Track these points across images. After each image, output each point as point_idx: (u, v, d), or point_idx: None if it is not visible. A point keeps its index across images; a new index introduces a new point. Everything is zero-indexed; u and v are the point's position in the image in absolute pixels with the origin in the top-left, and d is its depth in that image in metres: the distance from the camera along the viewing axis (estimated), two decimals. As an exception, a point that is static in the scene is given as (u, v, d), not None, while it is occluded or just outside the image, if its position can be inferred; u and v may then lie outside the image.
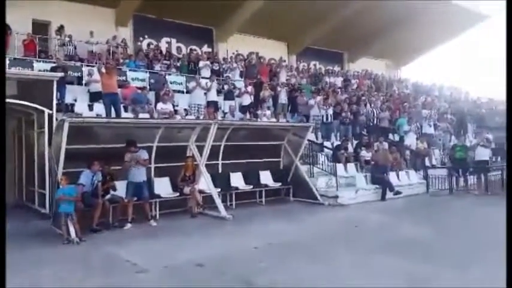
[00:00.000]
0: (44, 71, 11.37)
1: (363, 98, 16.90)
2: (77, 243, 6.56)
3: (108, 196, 7.89)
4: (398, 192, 11.40)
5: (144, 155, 8.24)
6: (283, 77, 16.98)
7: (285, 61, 19.77)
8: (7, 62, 11.66)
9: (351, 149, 13.24)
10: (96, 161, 7.54)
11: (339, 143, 13.44)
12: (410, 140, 14.94)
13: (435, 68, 44.59)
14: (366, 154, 12.83)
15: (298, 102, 14.90)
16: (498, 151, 16.01)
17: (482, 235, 6.81)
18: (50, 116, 8.58)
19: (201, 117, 12.06)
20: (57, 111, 9.08)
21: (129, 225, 7.77)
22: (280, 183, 10.97)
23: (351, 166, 12.44)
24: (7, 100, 8.14)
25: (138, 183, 8.05)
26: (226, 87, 14.12)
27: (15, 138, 10.25)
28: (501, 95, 27.06)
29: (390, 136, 15.40)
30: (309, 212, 9.52)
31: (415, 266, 5.09)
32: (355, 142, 13.94)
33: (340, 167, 11.88)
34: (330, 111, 14.28)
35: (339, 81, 19.33)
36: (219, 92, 13.76)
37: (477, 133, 17.93)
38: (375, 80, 21.61)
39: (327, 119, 14.18)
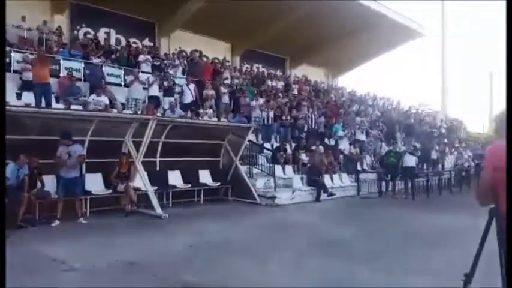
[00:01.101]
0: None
1: (304, 103, 17.40)
2: (-4, 240, 6.06)
3: (34, 191, 7.39)
4: (331, 194, 11.90)
5: (79, 149, 7.85)
6: (226, 77, 16.95)
7: (228, 61, 19.78)
8: None
9: (289, 151, 13.56)
10: (22, 154, 7.04)
11: (278, 145, 13.71)
12: (344, 145, 15.65)
13: (370, 78, 47.27)
14: (304, 157, 13.22)
15: (241, 103, 14.98)
16: (424, 159, 17.30)
17: (407, 236, 7.26)
18: (-30, 103, 7.84)
19: (139, 112, 11.69)
20: (-21, 98, 8.33)
21: (57, 222, 7.35)
22: (219, 183, 10.97)
23: (289, 168, 12.76)
24: None
25: (70, 179, 7.65)
26: (166, 83, 13.81)
27: None
28: (428, 107, 29.44)
29: (326, 140, 16.00)
30: (247, 212, 9.62)
31: (344, 266, 5.28)
32: (293, 145, 14.29)
33: (278, 168, 12.14)
34: (271, 114, 14.54)
35: (280, 85, 19.73)
36: (159, 87, 13.41)
37: (406, 141, 19.21)
38: (314, 87, 22.34)
39: (267, 121, 14.42)
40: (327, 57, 25.03)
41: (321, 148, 13.67)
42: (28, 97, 10.71)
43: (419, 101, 29.33)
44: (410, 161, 13.66)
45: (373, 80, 51.06)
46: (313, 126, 16.20)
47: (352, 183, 13.61)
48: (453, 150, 22.49)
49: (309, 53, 24.24)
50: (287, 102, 16.93)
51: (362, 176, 13.94)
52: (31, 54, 12.00)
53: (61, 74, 12.03)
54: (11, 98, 10.46)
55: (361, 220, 9.10)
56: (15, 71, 11.64)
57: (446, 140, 22.91)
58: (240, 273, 4.95)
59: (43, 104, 9.53)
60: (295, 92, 19.94)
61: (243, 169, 11.34)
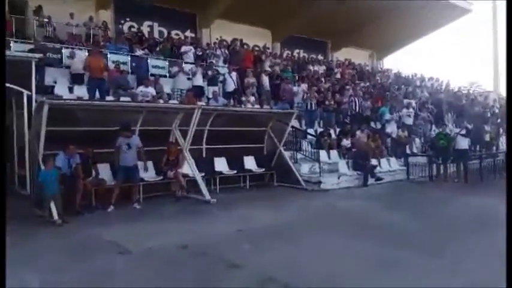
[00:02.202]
0: (21, 52, 10.99)
1: (347, 87, 17.04)
2: (59, 225, 6.47)
3: (90, 178, 7.78)
4: (379, 179, 11.60)
5: (137, 141, 8.19)
6: (267, 64, 16.90)
7: (268, 48, 19.69)
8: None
9: (334, 136, 13.36)
10: (71, 144, 7.41)
11: (322, 130, 13.53)
12: (392, 128, 15.16)
13: (417, 59, 45.32)
14: (346, 142, 12.96)
15: (283, 89, 14.90)
16: (476, 140, 16.42)
17: (459, 222, 6.94)
18: (29, 98, 8.36)
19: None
20: (37, 92, 8.82)
21: (112, 207, 7.69)
22: (264, 169, 11.02)
23: (334, 153, 12.56)
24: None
25: (129, 167, 8.00)
26: (210, 72, 14.00)
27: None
28: (480, 87, 27.91)
29: (372, 124, 15.61)
30: (293, 197, 9.59)
31: (390, 251, 5.15)
32: (338, 129, 14.06)
33: (323, 153, 12.00)
34: (314, 99, 14.35)
35: (322, 69, 19.40)
36: (203, 77, 13.61)
37: (457, 123, 18.31)
38: (358, 70, 21.78)
39: (310, 106, 14.25)
40: (370, 38, 24.21)
41: (367, 132, 13.34)
42: (79, 90, 11.26)
43: (471, 81, 27.84)
44: (463, 143, 12.99)
45: (420, 61, 48.97)
46: (357, 110, 15.84)
47: (401, 167, 13.18)
48: (509, 130, 21.16)
49: (351, 35, 23.56)
50: (330, 86, 16.68)
51: (411, 159, 13.43)
52: (79, 49, 12.58)
53: (109, 68, 12.49)
54: (63, 91, 11.06)
55: (412, 204, 8.81)
56: (66, 67, 12.23)
57: (499, 120, 21.60)
58: (287, 257, 4.95)
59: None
60: (338, 76, 19.53)
61: (287, 155, 11.31)
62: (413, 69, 26.15)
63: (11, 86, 8.26)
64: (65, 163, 7.34)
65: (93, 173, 7.99)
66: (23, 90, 8.32)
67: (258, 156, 11.24)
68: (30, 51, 10.81)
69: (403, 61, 35.60)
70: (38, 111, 7.34)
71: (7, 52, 10.35)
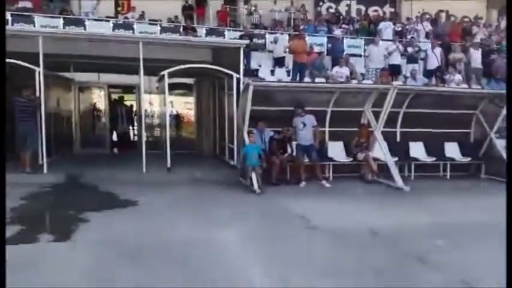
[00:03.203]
0: (233, 39, 12.49)
1: None
2: (258, 194, 7.24)
3: (285, 155, 8.38)
4: None
5: (312, 120, 8.42)
6: (478, 37, 14.65)
7: (481, 18, 16.97)
8: (203, 32, 13.31)
9: None
10: (260, 121, 8.14)
11: (552, 114, 10.99)
12: None
13: None
14: None
15: (497, 65, 12.71)
16: None
17: None
18: (238, 80, 9.44)
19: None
20: (244, 75, 9.85)
21: (303, 183, 8.12)
22: (469, 158, 9.71)
23: None
24: (206, 66, 9.38)
25: (305, 146, 8.33)
26: (410, 49, 13.02)
27: (210, 98, 11.75)
28: None
29: None
30: (504, 194, 8.14)
31: None
32: None
33: (552, 143, 9.76)
34: (543, 77, 11.74)
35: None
36: (402, 54, 12.78)
37: None
38: None
39: (538, 86, 11.72)
40: None
41: None
42: (280, 73, 12.13)
43: None
44: None
45: None
46: None
47: None
48: None
49: None
50: None
51: None
52: (281, 34, 13.45)
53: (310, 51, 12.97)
54: (266, 74, 12.11)
55: None
56: (269, 51, 13.30)
57: None
58: (486, 261, 4.19)
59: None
60: None
61: (501, 143, 9.63)
62: None
63: (223, 69, 9.52)
64: (257, 138, 8.13)
65: (289, 150, 8.55)
66: (233, 73, 9.43)
67: (462, 143, 9.96)
68: (240, 38, 12.20)
69: None
70: (245, 92, 8.21)
71: (222, 40, 12.03)
